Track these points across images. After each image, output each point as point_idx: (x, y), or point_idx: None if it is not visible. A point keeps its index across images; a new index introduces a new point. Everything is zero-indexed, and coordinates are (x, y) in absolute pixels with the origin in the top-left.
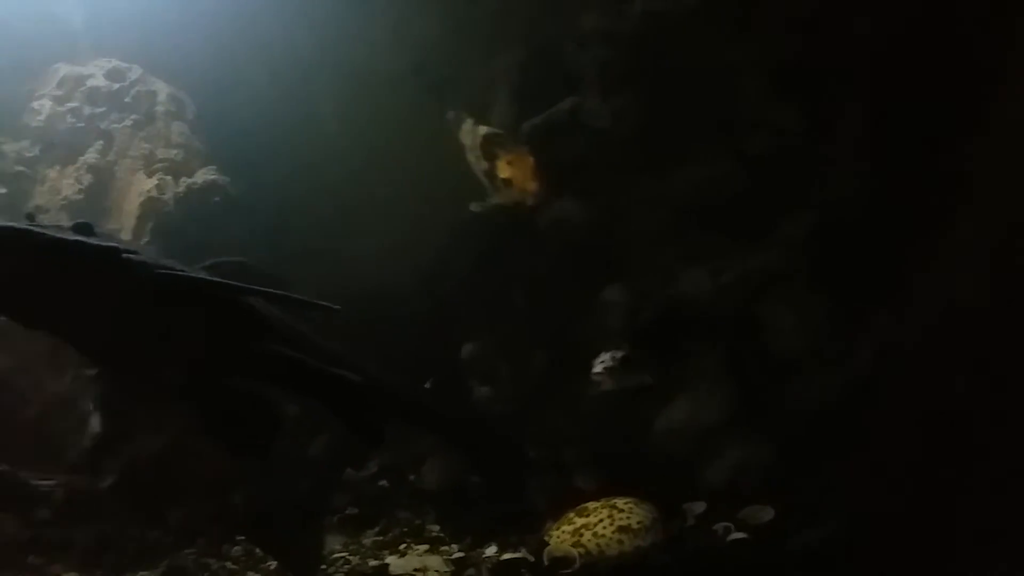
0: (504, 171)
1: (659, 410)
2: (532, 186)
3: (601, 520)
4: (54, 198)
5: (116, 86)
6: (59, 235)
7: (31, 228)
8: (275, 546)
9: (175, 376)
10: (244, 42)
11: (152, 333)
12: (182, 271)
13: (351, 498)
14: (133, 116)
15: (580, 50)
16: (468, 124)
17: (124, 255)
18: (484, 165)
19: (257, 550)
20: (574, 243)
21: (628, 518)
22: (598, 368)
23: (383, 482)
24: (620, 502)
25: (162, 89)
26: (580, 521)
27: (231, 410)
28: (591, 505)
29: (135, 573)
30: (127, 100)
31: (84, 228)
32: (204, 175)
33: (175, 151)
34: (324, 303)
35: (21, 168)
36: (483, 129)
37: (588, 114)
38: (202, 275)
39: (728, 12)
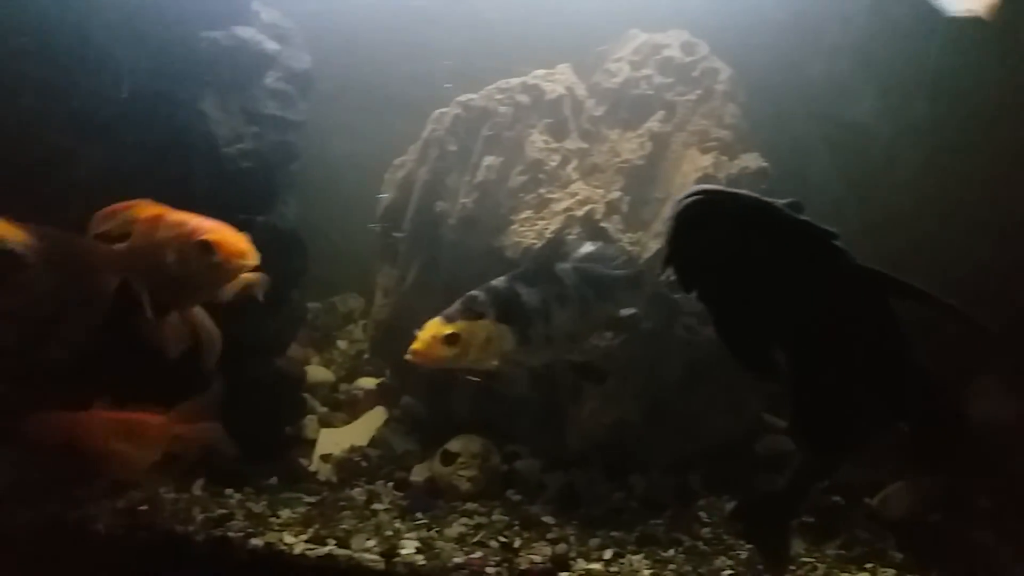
0: None
1: None
2: None
3: None
4: (611, 159)
5: (687, 59)
6: (791, 213)
7: (774, 203)
8: (750, 536)
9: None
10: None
11: (826, 323)
12: (881, 270)
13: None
14: (697, 91)
15: None
16: None
17: (835, 242)
18: None
19: (727, 536)
20: None
21: None
22: None
23: (837, 498)
24: None
25: (723, 69)
26: None
27: (834, 409)
28: None
29: (608, 531)
30: (694, 75)
31: (796, 206)
32: (754, 160)
33: (726, 132)
34: (983, 323)
35: (587, 127)
36: None
37: None
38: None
39: None
